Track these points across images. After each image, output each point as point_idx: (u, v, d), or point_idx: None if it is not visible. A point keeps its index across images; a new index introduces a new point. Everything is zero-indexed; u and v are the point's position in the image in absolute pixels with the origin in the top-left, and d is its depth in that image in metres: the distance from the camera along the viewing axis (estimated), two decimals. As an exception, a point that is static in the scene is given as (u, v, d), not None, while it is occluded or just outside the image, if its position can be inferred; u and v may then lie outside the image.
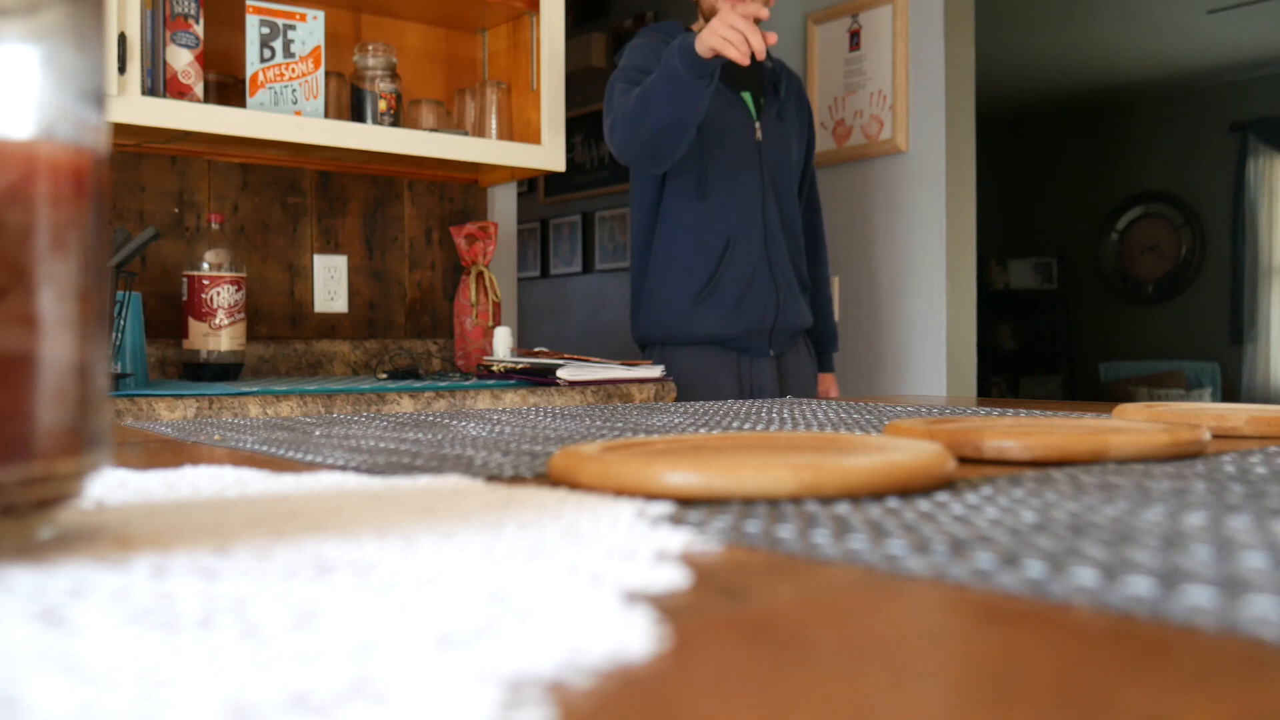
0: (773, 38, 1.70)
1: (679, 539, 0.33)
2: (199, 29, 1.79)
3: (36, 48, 0.30)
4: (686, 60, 1.77)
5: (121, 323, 1.58)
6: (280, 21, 1.87)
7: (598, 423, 0.85)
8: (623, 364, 1.87)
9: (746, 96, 2.13)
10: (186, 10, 1.78)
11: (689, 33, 1.99)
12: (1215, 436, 0.70)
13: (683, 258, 2.08)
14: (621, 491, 0.43)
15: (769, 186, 2.12)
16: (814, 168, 2.32)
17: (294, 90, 1.87)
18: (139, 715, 0.17)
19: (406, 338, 2.27)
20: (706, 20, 2.10)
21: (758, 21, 1.92)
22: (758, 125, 2.11)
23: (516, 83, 2.24)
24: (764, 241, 2.10)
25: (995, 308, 6.79)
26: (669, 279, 2.10)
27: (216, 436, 0.75)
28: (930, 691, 0.20)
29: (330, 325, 2.17)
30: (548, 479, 0.49)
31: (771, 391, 2.14)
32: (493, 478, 0.50)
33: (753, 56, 1.88)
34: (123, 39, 1.67)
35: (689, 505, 0.41)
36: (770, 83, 2.17)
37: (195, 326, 1.83)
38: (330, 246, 2.17)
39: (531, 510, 0.38)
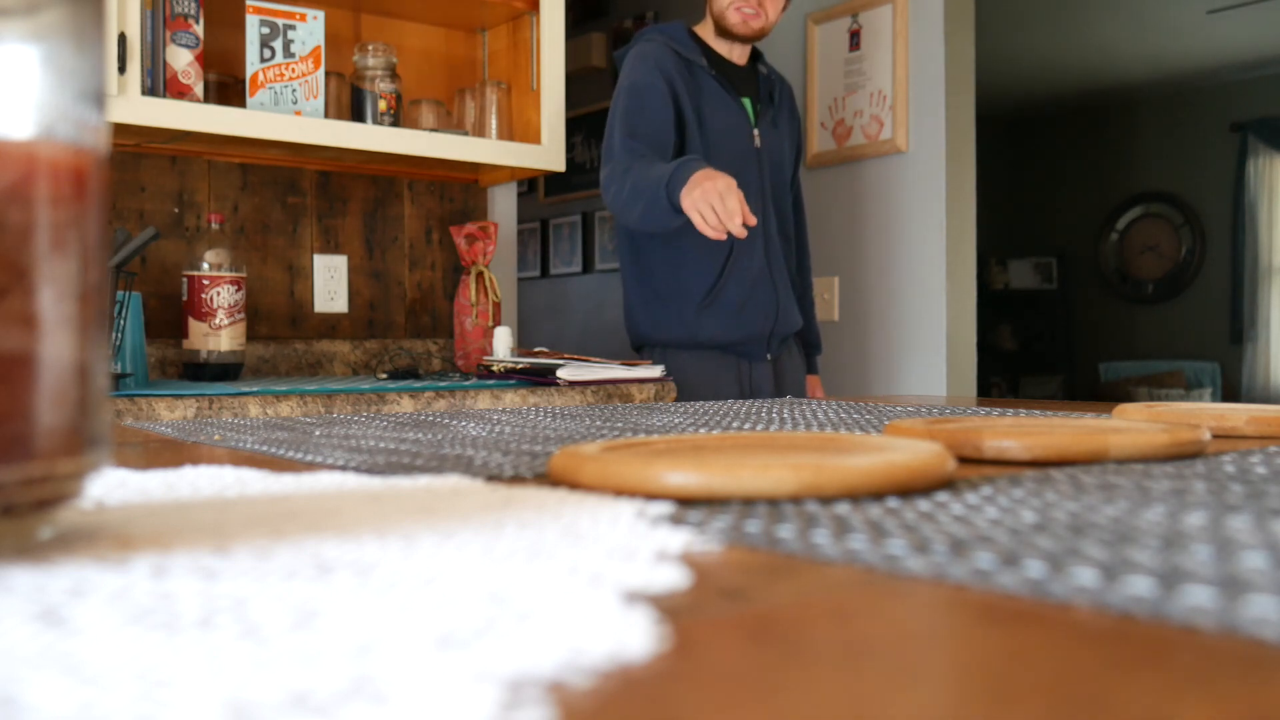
0: (752, 220, 1.72)
1: (679, 539, 0.33)
2: (199, 29, 1.79)
3: (36, 48, 0.30)
4: (672, 197, 1.80)
5: (121, 323, 1.58)
6: (280, 21, 1.87)
7: (598, 423, 0.85)
8: (623, 364, 1.87)
9: (746, 102, 2.14)
10: (186, 10, 1.78)
11: (699, 74, 2.05)
12: (1215, 436, 0.70)
13: (685, 264, 2.08)
14: (621, 491, 0.43)
15: (768, 192, 2.14)
16: (799, 177, 2.34)
17: (294, 90, 1.87)
18: (139, 715, 0.17)
19: (406, 338, 2.27)
20: (715, 20, 2.11)
21: None
22: (756, 132, 2.12)
23: (516, 83, 2.24)
24: (765, 248, 2.11)
25: (995, 308, 6.78)
26: (673, 284, 2.09)
27: (216, 436, 0.75)
28: (930, 691, 0.20)
29: (330, 325, 2.17)
30: (548, 479, 0.49)
31: (769, 394, 2.15)
32: (493, 478, 0.50)
33: (753, 47, 1.95)
34: (123, 39, 1.67)
35: (689, 505, 0.41)
36: (766, 90, 2.19)
37: (195, 326, 1.83)
38: (330, 246, 2.17)
39: (531, 510, 0.38)
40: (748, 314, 2.09)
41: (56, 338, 0.30)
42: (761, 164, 2.13)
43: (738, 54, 2.16)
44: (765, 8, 2.08)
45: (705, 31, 2.16)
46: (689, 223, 1.80)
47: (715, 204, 1.71)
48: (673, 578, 0.28)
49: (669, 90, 2.01)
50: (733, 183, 1.74)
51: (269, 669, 0.19)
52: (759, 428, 0.81)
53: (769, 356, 2.16)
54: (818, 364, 2.38)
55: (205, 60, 1.87)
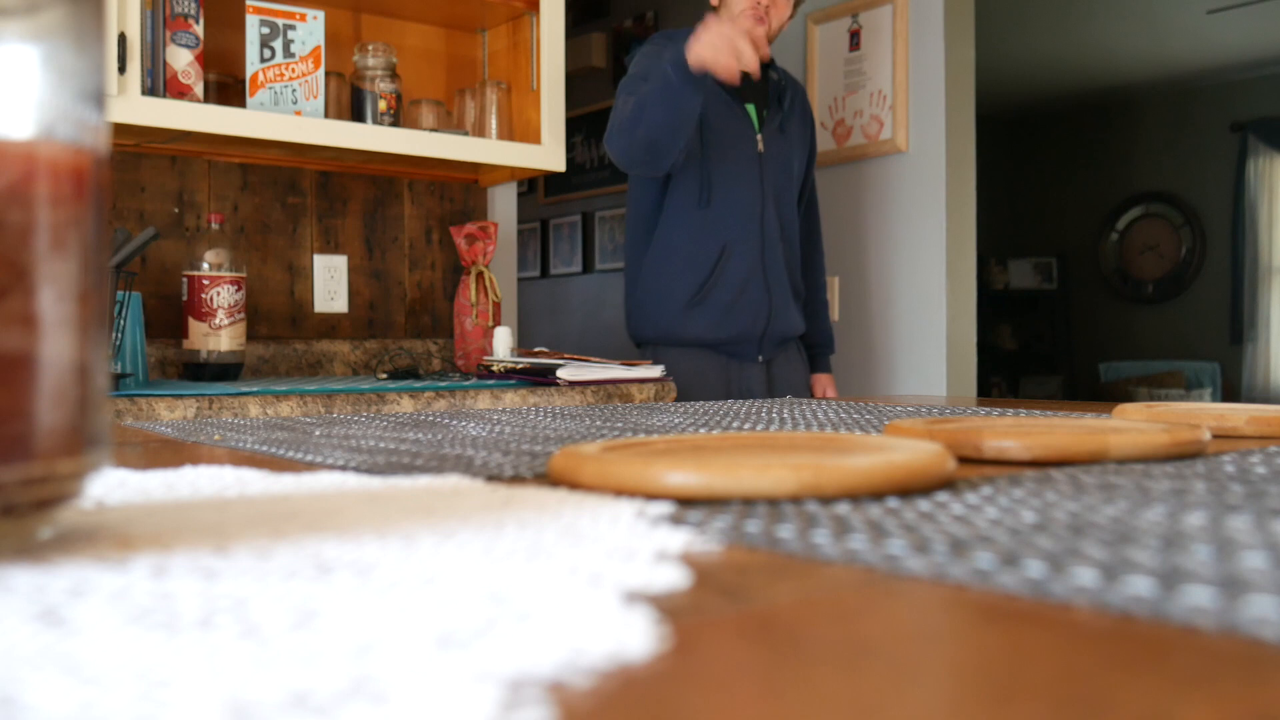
0: (765, 52, 1.73)
1: (679, 539, 0.33)
2: (199, 29, 1.79)
3: (36, 48, 0.30)
4: (678, 69, 1.81)
5: (121, 323, 1.58)
6: (280, 21, 1.87)
7: (598, 423, 0.85)
8: (623, 364, 1.87)
9: (750, 109, 2.16)
10: (186, 10, 1.78)
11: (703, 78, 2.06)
12: (1215, 436, 0.70)
13: (678, 262, 2.12)
14: (621, 491, 0.43)
15: (769, 197, 2.16)
16: (814, 177, 2.35)
17: (294, 90, 1.87)
18: (139, 715, 0.17)
19: (406, 338, 2.27)
20: None
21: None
22: (759, 137, 2.14)
23: (516, 83, 2.24)
24: (761, 251, 2.14)
25: (995, 308, 6.78)
26: (663, 282, 2.14)
27: (216, 436, 0.75)
28: (930, 691, 0.20)
29: (330, 325, 2.17)
30: (548, 479, 0.49)
31: (760, 395, 2.17)
32: (493, 478, 0.50)
33: (759, 65, 1.98)
34: (123, 39, 1.67)
35: (689, 505, 0.41)
36: (775, 95, 2.21)
37: (195, 326, 1.83)
38: (330, 246, 2.17)
39: (531, 510, 0.38)
40: (735, 314, 2.12)
41: (56, 338, 0.30)
42: (764, 169, 2.16)
43: None
44: (770, 15, 2.11)
45: None
46: (711, 125, 1.82)
47: (723, 30, 1.73)
48: (673, 578, 0.28)
49: None
50: (734, 22, 1.77)
51: (269, 669, 0.19)
52: (759, 428, 0.81)
53: (760, 358, 2.18)
54: (830, 363, 2.39)
55: (205, 60, 1.87)
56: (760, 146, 2.15)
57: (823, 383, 2.35)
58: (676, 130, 1.91)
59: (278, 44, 1.86)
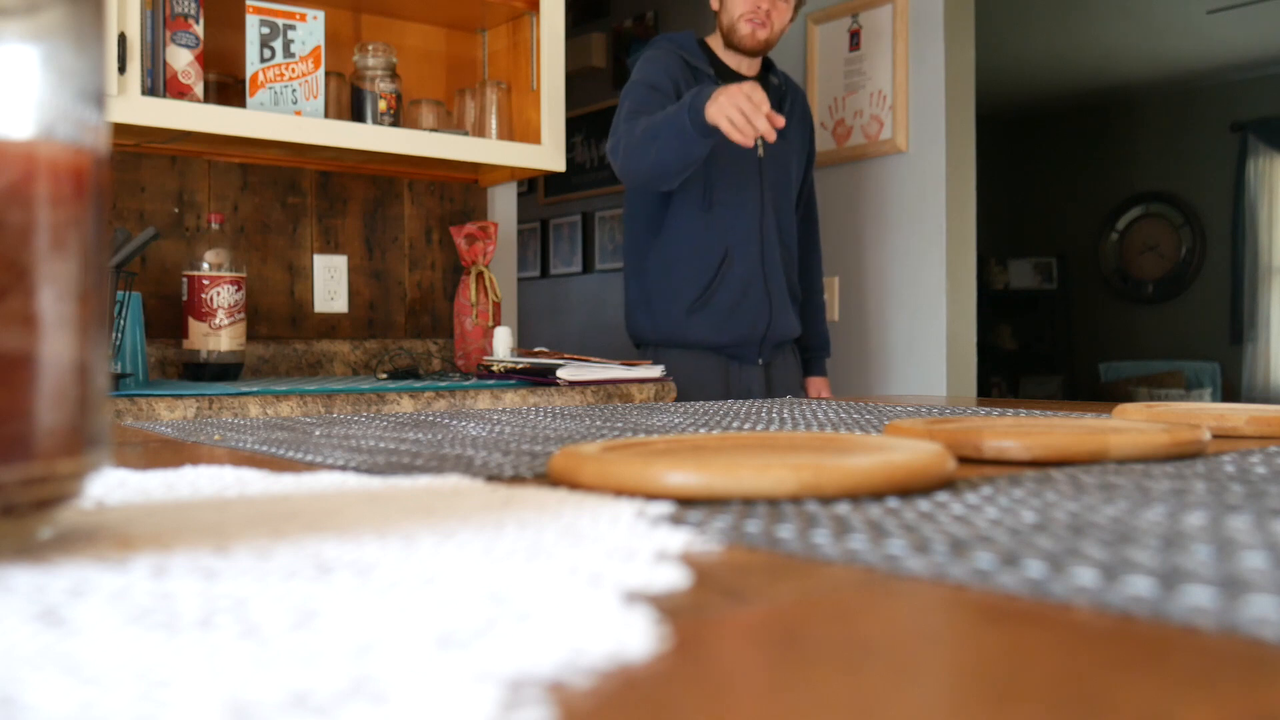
0: (780, 121, 1.74)
1: (679, 539, 0.33)
2: (199, 29, 1.79)
3: (36, 48, 0.30)
4: (695, 119, 1.83)
5: (121, 323, 1.58)
6: (280, 21, 1.87)
7: (598, 423, 0.85)
8: (623, 364, 1.87)
9: None
10: (186, 10, 1.78)
11: (705, 82, 2.08)
12: (1215, 436, 0.70)
13: (682, 265, 2.13)
14: (621, 491, 0.42)
15: (768, 202, 2.17)
16: (812, 180, 2.36)
17: (294, 90, 1.87)
18: (139, 715, 0.17)
19: (406, 338, 2.27)
20: (725, 34, 2.15)
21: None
22: (760, 143, 2.15)
23: (516, 83, 2.24)
24: (761, 255, 2.15)
25: (995, 308, 6.78)
26: (667, 285, 2.15)
27: (216, 436, 0.75)
28: (930, 691, 0.20)
29: (330, 325, 2.17)
30: (548, 479, 0.49)
31: (759, 397, 2.17)
32: (493, 478, 0.50)
33: (764, 57, 2.03)
34: (123, 39, 1.67)
35: (689, 505, 0.41)
36: (775, 100, 2.21)
37: (195, 326, 1.83)
38: (330, 246, 2.17)
39: (531, 510, 0.38)
40: (737, 318, 2.14)
41: (56, 338, 0.30)
42: (764, 174, 2.17)
43: (746, 66, 2.21)
44: (772, 19, 2.12)
45: (715, 43, 2.22)
46: (721, 139, 1.83)
47: (742, 104, 1.74)
48: (673, 578, 0.28)
49: (675, 92, 2.05)
50: (756, 84, 1.78)
51: (269, 669, 0.19)
52: (759, 428, 0.81)
53: (760, 361, 2.19)
54: (825, 366, 2.40)
55: (205, 60, 1.87)
56: (760, 152, 2.16)
57: (817, 385, 2.36)
58: (683, 171, 1.97)
59: (278, 44, 1.86)
